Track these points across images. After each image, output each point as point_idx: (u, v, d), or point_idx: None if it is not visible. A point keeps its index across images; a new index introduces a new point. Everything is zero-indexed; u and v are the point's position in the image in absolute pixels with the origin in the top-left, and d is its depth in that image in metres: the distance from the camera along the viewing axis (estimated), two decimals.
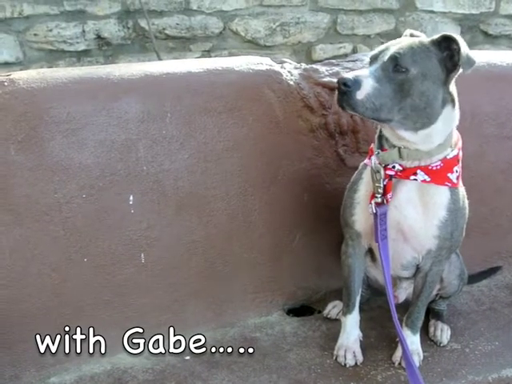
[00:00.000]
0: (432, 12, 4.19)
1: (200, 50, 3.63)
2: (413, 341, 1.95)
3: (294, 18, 3.69)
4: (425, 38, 1.66)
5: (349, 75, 1.55)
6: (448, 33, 1.59)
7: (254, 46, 3.70)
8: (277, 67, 2.13)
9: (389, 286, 1.78)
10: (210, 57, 3.65)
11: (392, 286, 2.16)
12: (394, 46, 1.61)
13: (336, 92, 1.58)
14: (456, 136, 1.74)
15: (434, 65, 1.60)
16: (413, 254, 1.84)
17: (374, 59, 1.62)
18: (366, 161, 1.82)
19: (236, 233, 2.12)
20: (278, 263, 2.21)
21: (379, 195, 1.72)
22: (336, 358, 1.96)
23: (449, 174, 1.70)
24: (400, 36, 1.76)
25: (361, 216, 1.83)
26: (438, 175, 1.69)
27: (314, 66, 2.19)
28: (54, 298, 1.89)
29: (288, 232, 2.21)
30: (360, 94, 1.53)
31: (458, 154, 1.73)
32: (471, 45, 4.10)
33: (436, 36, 1.62)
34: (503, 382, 1.94)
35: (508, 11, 4.19)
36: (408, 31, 1.77)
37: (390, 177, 1.72)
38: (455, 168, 1.71)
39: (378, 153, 1.73)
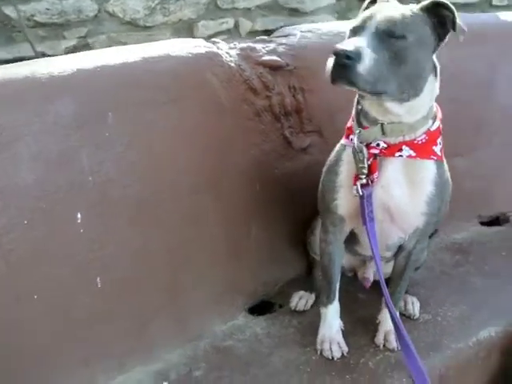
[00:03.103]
0: None
1: (75, 37, 3.25)
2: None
3: None
4: (412, 5, 1.55)
5: (348, 46, 1.39)
6: None
7: (134, 27, 3.40)
8: (215, 49, 1.93)
9: (379, 270, 1.68)
10: (87, 43, 3.30)
11: (358, 267, 2.12)
12: (380, 14, 1.48)
13: (329, 64, 1.42)
14: (435, 107, 1.68)
15: (428, 32, 1.50)
16: (399, 233, 1.76)
17: (359, 29, 1.49)
18: (344, 141, 1.70)
19: (192, 236, 1.91)
20: (236, 262, 2.05)
21: (364, 176, 1.61)
22: (321, 353, 1.85)
23: (433, 147, 1.63)
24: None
25: (344, 200, 1.70)
26: (423, 149, 1.61)
27: (250, 44, 2.02)
28: (6, 345, 1.57)
29: (243, 226, 2.05)
30: (361, 67, 1.39)
31: (439, 125, 1.66)
32: (347, 11, 4.12)
33: (425, 2, 1.52)
34: (482, 344, 1.94)
35: None
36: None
37: (375, 156, 1.61)
38: (438, 140, 1.65)
39: (360, 131, 1.62)
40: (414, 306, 2.04)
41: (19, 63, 1.70)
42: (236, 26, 3.72)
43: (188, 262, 1.90)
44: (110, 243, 1.71)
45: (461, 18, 1.48)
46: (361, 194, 1.60)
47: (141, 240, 1.78)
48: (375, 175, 1.61)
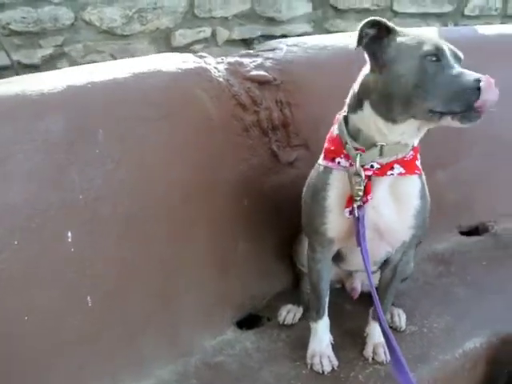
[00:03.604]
0: None
1: (51, 46, 3.20)
2: (381, 333, 1.90)
3: (151, 3, 3.40)
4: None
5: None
6: None
7: (111, 36, 3.36)
8: (203, 63, 1.92)
9: (372, 287, 1.68)
10: (64, 52, 3.25)
11: (346, 278, 2.13)
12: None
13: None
14: None
15: None
16: (387, 248, 1.77)
17: (451, 55, 1.50)
18: (327, 163, 1.68)
19: (181, 249, 1.90)
20: (224, 275, 2.04)
21: (358, 198, 1.61)
22: (311, 367, 1.86)
23: (416, 162, 1.66)
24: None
25: (335, 223, 1.69)
26: (410, 165, 1.63)
27: (237, 59, 2.01)
28: None
29: (231, 240, 2.04)
30: None
31: None
32: (323, 20, 4.13)
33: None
34: (468, 355, 1.97)
35: None
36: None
37: (369, 177, 1.61)
38: (418, 154, 1.67)
39: (361, 154, 1.60)
40: (400, 318, 2.06)
41: (10, 79, 1.67)
42: (213, 34, 3.72)
43: (176, 275, 1.89)
44: (99, 261, 1.69)
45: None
46: (357, 215, 1.61)
47: (130, 256, 1.76)
48: (369, 196, 1.61)
